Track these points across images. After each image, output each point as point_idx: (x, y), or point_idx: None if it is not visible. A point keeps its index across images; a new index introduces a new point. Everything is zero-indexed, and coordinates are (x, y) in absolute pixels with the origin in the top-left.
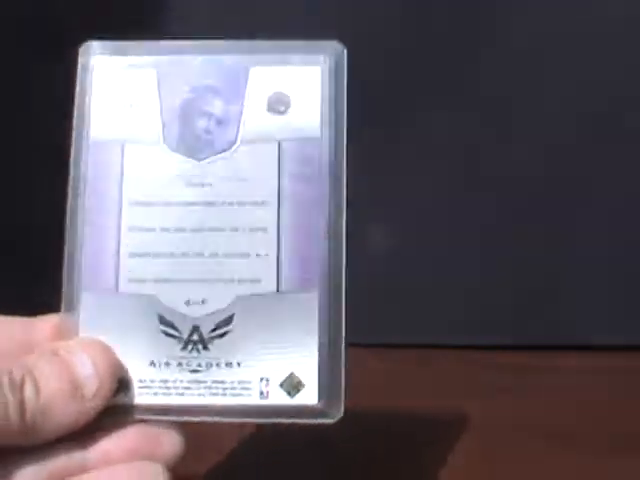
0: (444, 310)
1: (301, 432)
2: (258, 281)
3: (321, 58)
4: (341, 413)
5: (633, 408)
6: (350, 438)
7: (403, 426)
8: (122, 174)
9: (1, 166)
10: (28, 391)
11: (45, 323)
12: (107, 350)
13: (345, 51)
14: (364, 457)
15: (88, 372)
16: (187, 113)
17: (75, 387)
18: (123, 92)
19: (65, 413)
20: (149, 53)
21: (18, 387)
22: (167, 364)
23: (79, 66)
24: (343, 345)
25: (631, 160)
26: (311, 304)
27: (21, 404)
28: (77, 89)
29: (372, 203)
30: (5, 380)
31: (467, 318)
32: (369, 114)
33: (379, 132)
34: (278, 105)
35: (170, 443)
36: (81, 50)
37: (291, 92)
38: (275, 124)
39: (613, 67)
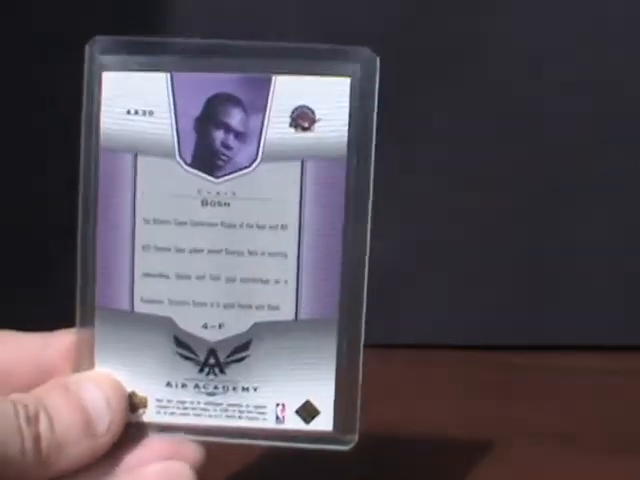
0: (444, 310)
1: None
2: (277, 308)
3: (351, 68)
4: (355, 440)
5: (633, 408)
6: None
7: (403, 426)
8: (134, 188)
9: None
10: (43, 425)
11: (60, 340)
12: (118, 385)
13: (378, 60)
14: (364, 457)
15: (100, 409)
16: (203, 123)
17: (87, 424)
18: (134, 96)
19: (78, 449)
20: (162, 53)
21: (33, 420)
22: (184, 385)
23: (86, 64)
24: (360, 373)
25: (631, 160)
26: (330, 332)
27: (37, 438)
28: (84, 90)
29: (372, 203)
30: (22, 412)
31: (467, 318)
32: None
33: (378, 132)
34: (303, 120)
35: (192, 450)
36: (88, 47)
37: (317, 106)
38: (299, 141)
39: (613, 67)
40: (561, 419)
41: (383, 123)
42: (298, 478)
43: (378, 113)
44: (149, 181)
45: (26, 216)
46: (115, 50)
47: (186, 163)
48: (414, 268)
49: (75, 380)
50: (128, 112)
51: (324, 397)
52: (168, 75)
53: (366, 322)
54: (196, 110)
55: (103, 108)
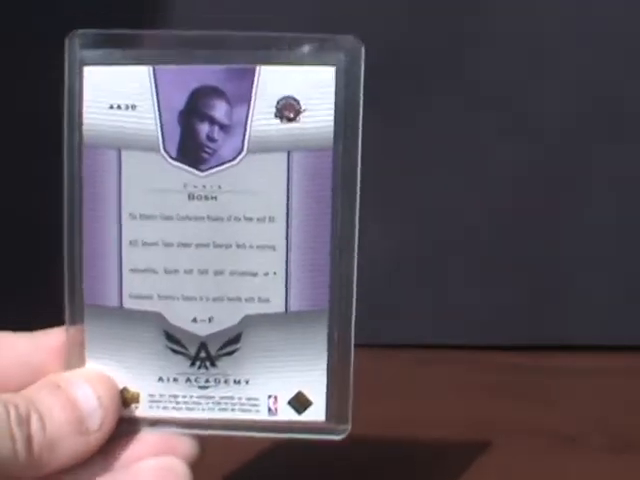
0: (444, 310)
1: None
2: (266, 300)
3: (336, 56)
4: (348, 430)
5: (633, 408)
6: (348, 438)
7: (402, 426)
8: (119, 183)
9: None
10: (34, 426)
11: (50, 339)
12: (110, 381)
13: (362, 48)
14: (363, 456)
15: (92, 406)
16: (187, 116)
17: (80, 422)
18: (116, 91)
19: (71, 447)
20: (144, 46)
21: (25, 421)
22: (175, 380)
23: (66, 58)
24: (351, 363)
25: (631, 160)
26: (320, 323)
27: (28, 439)
28: (65, 85)
29: (372, 202)
30: (12, 413)
31: (467, 318)
32: (365, 113)
33: (377, 130)
34: (288, 111)
35: (186, 445)
36: (67, 41)
37: (302, 96)
38: (284, 132)
39: (613, 67)
40: (561, 419)
41: (383, 123)
42: (297, 477)
43: (377, 113)
44: (134, 176)
45: (25, 213)
46: (96, 44)
47: (171, 157)
48: (414, 268)
49: (66, 378)
50: (111, 107)
51: (316, 388)
52: (150, 68)
53: (366, 322)
54: (180, 103)
55: (85, 104)
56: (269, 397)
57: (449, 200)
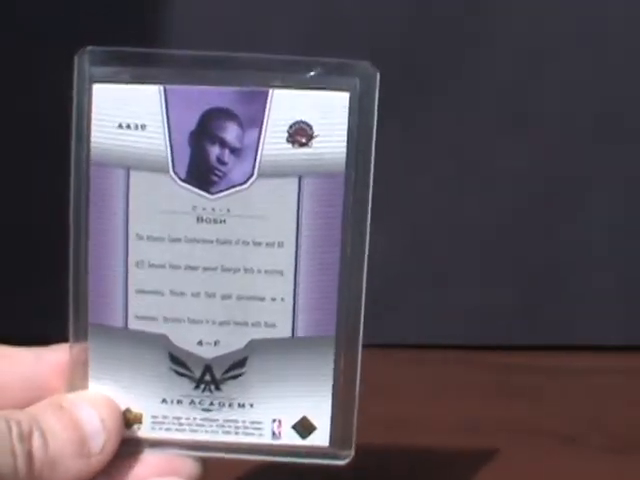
0: (444, 310)
1: None
2: (273, 326)
3: (350, 82)
4: (352, 455)
5: (633, 408)
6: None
7: (402, 426)
8: (127, 204)
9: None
10: (36, 443)
11: (52, 355)
12: (113, 404)
13: (378, 75)
14: (363, 456)
15: (95, 428)
16: (198, 138)
17: (82, 443)
18: (125, 109)
19: (72, 468)
20: (155, 65)
21: (27, 438)
22: (179, 402)
23: (75, 75)
24: (357, 389)
25: (631, 160)
26: (327, 349)
27: (29, 455)
28: (74, 102)
29: (371, 203)
30: (14, 429)
31: (467, 318)
32: None
33: (378, 133)
34: (300, 136)
35: (188, 466)
36: (77, 58)
37: (315, 121)
38: (296, 157)
39: (613, 67)
40: (561, 419)
41: (383, 123)
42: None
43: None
44: (142, 196)
45: (26, 218)
46: (106, 61)
47: (180, 179)
48: (414, 268)
49: (70, 399)
50: (120, 126)
51: (321, 413)
52: (161, 88)
53: (366, 322)
54: (190, 124)
55: (94, 122)
56: (273, 421)
57: (449, 200)
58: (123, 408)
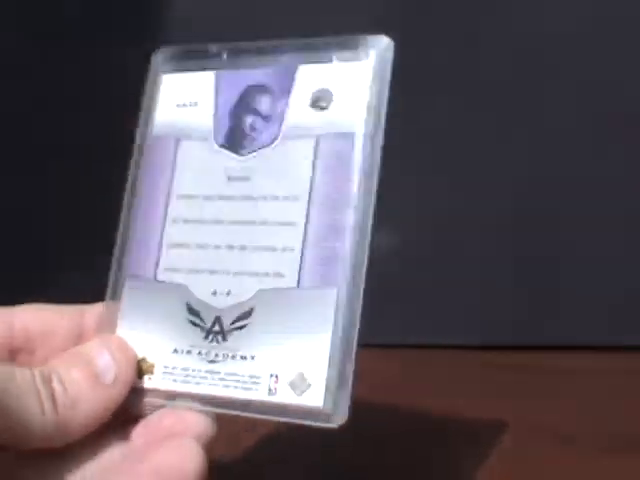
0: (444, 310)
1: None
2: (281, 275)
3: (367, 53)
4: (345, 420)
5: (633, 408)
6: (348, 438)
7: (402, 426)
8: (174, 169)
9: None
10: (56, 385)
11: (95, 310)
12: (122, 342)
13: (392, 45)
14: (362, 456)
15: (106, 362)
16: (237, 110)
17: (96, 376)
18: (185, 92)
19: (91, 403)
20: (210, 56)
21: (48, 381)
22: (189, 352)
23: (150, 70)
24: (354, 352)
25: (631, 160)
26: (329, 301)
27: (52, 397)
28: (146, 90)
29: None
30: (37, 375)
31: (467, 318)
32: None
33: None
34: (321, 101)
35: (202, 424)
36: (153, 56)
37: (334, 88)
38: (316, 120)
39: (613, 67)
40: (561, 419)
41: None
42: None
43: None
44: (186, 162)
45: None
46: (173, 57)
47: (218, 145)
48: (414, 268)
49: (84, 344)
50: (177, 105)
51: (317, 371)
52: (214, 73)
53: (366, 322)
54: (233, 99)
55: (159, 104)
56: (271, 376)
57: (449, 201)
58: (140, 357)
